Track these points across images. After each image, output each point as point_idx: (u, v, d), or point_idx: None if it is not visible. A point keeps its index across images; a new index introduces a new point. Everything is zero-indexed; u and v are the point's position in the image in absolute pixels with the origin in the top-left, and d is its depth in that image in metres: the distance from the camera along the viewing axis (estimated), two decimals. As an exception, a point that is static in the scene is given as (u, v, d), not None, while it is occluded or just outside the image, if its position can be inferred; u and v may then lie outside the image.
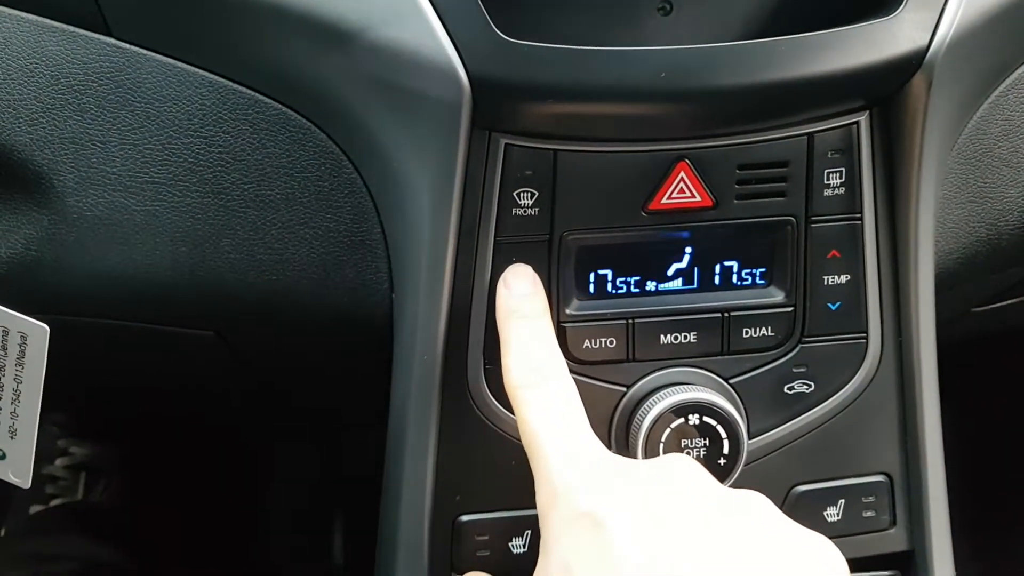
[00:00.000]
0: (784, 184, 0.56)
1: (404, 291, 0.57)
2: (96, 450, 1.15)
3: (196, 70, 0.56)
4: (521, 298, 0.54)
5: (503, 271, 0.55)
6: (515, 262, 0.55)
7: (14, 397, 0.57)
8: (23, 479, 0.60)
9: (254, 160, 0.56)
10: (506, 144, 0.53)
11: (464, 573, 0.58)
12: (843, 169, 0.56)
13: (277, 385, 0.76)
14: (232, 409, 0.95)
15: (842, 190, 0.56)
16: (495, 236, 0.55)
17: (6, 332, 0.56)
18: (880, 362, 0.59)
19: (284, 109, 0.56)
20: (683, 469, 0.47)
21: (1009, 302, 0.78)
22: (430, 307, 0.55)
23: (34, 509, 1.13)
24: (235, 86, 0.56)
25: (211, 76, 0.56)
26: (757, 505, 0.46)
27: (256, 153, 0.56)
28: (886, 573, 0.62)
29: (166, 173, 0.57)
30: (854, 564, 0.61)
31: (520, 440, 0.57)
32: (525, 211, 0.55)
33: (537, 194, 0.54)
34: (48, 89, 0.56)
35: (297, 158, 0.56)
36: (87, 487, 1.15)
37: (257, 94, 0.56)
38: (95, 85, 0.56)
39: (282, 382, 0.76)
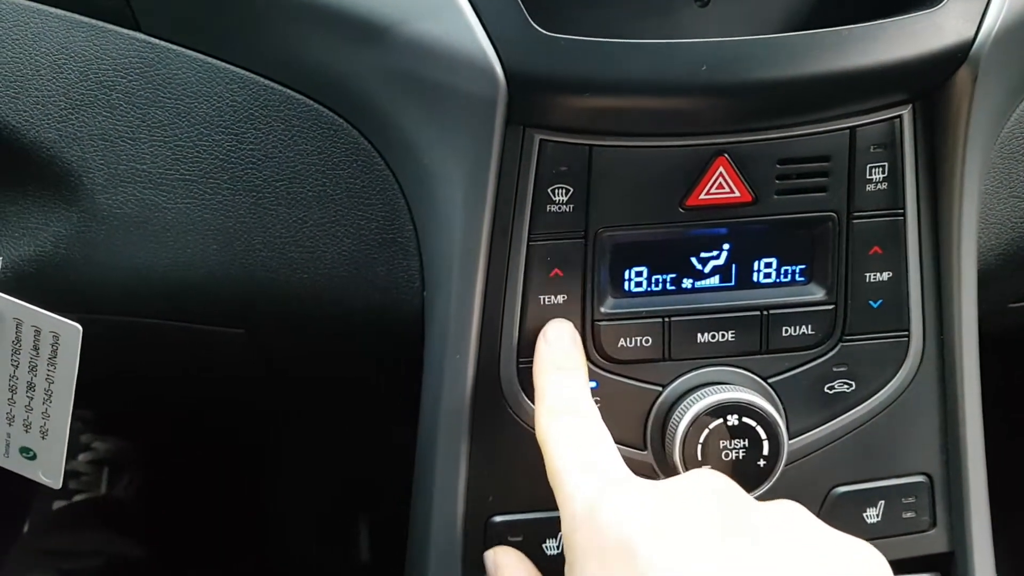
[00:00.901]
0: (825, 179, 0.55)
1: (436, 289, 0.56)
2: (119, 446, 1.15)
3: (227, 66, 0.55)
4: (560, 352, 0.54)
5: (537, 269, 0.54)
6: (550, 262, 0.54)
7: (45, 397, 0.57)
8: (54, 479, 0.60)
9: (286, 157, 0.55)
10: (541, 140, 0.52)
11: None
12: (886, 164, 0.55)
13: (306, 383, 0.76)
14: (259, 406, 0.95)
15: (884, 185, 0.55)
16: (529, 233, 0.54)
17: (38, 332, 0.55)
18: (922, 361, 0.58)
19: (316, 106, 0.55)
20: (714, 486, 0.45)
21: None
22: (462, 306, 0.54)
23: (57, 505, 1.13)
24: (266, 82, 0.55)
25: (242, 72, 0.55)
26: (796, 516, 0.44)
27: (288, 150, 0.55)
28: (927, 575, 0.61)
29: (197, 170, 0.56)
30: (894, 566, 0.60)
31: None
32: (560, 208, 0.54)
33: (572, 190, 0.53)
34: (77, 85, 0.55)
35: (329, 155, 0.55)
36: (110, 483, 1.16)
37: (289, 90, 0.55)
38: (124, 81, 0.55)
39: (312, 380, 0.76)
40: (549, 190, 0.53)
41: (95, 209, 0.57)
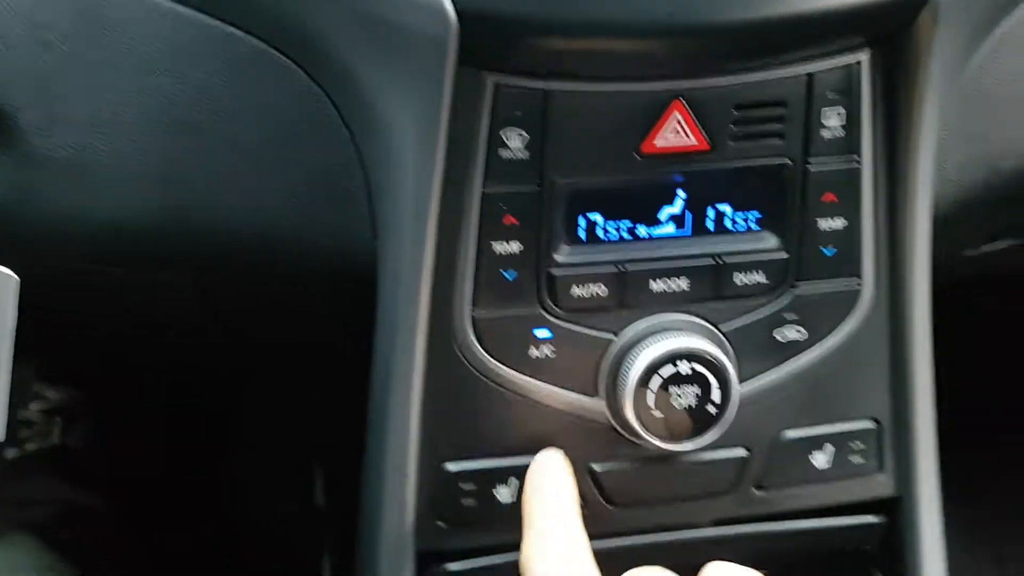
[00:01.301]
0: (781, 125, 0.54)
1: (387, 238, 0.55)
2: (72, 395, 1.14)
3: (170, 4, 0.53)
4: (550, 478, 0.54)
5: (490, 217, 0.53)
6: (504, 210, 0.54)
7: (-18, 349, 0.55)
8: (-3, 431, 0.58)
9: (231, 99, 0.54)
10: (494, 83, 0.51)
11: (450, 521, 0.57)
12: (843, 110, 0.54)
13: (255, 332, 0.75)
14: (211, 354, 0.94)
15: (841, 132, 0.55)
16: (483, 180, 0.53)
17: (-29, 281, 0.54)
18: (873, 307, 0.59)
19: (263, 46, 0.53)
20: None
21: (999, 247, 0.78)
22: (414, 254, 0.54)
23: (10, 454, 1.12)
24: (211, 21, 0.53)
25: (185, 10, 0.53)
26: None
27: (233, 92, 0.53)
28: (874, 519, 0.62)
29: (137, 113, 0.54)
30: (841, 509, 0.62)
31: (507, 389, 0.56)
32: (514, 154, 0.53)
33: (527, 136, 0.52)
34: (12, 25, 0.53)
35: (275, 98, 0.53)
36: (64, 432, 1.14)
37: (234, 29, 0.53)
38: (62, 21, 0.53)
39: (260, 330, 0.75)
40: (503, 136, 0.52)
41: (31, 153, 0.54)
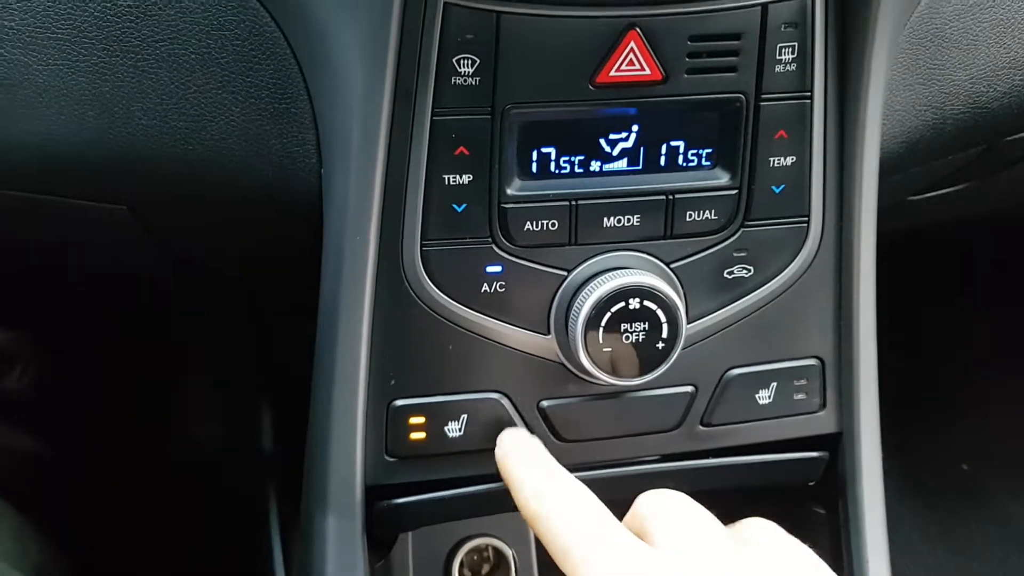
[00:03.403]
0: (735, 59, 0.54)
1: (334, 166, 0.53)
2: (9, 336, 1.10)
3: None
4: (531, 446, 0.55)
5: (441, 147, 0.52)
6: (455, 140, 0.52)
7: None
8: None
9: (167, 15, 0.51)
10: (445, 3, 0.50)
11: (399, 456, 0.57)
12: (796, 44, 0.54)
13: (200, 266, 0.73)
14: (153, 292, 0.91)
15: (793, 67, 0.55)
16: (433, 107, 0.51)
17: None
18: (820, 247, 0.59)
19: (202, -40, 0.51)
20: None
21: (944, 191, 0.79)
22: (362, 183, 0.52)
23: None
24: (144, -71, 0.50)
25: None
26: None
27: (169, 7, 0.51)
28: (815, 454, 0.63)
29: (70, 29, 0.51)
30: (784, 445, 0.63)
31: (457, 325, 0.55)
32: (465, 80, 0.51)
33: (478, 61, 0.51)
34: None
35: (214, 13, 0.51)
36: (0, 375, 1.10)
37: None
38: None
39: (203, 263, 0.73)
40: (454, 60, 0.51)
41: (-45, 70, 0.51)
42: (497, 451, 0.55)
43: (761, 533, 0.49)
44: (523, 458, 0.54)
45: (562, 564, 0.47)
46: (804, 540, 0.49)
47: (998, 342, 1.21)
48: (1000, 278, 1.20)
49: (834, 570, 0.47)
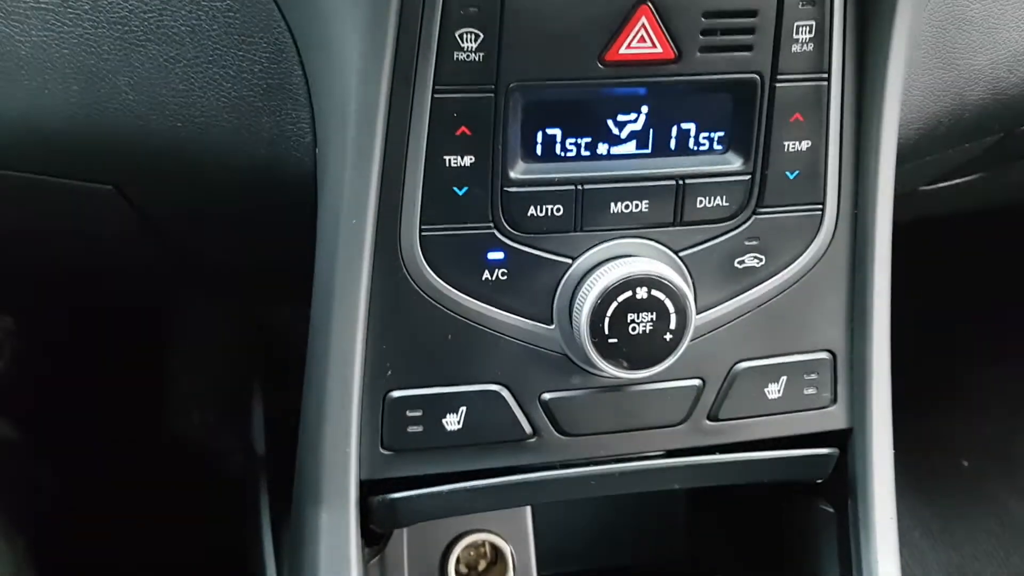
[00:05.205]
0: (751, 36, 0.51)
1: (329, 145, 0.51)
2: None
3: None
4: None
5: (442, 126, 0.50)
6: (456, 119, 0.50)
7: None
8: None
9: (154, -15, 0.49)
10: None
11: (395, 449, 0.55)
12: (813, 22, 0.52)
13: (187, 250, 0.70)
14: (142, 280, 0.89)
15: (811, 46, 0.52)
16: (434, 84, 0.49)
17: None
18: (834, 236, 0.57)
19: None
20: None
21: (955, 182, 0.77)
22: (359, 164, 0.50)
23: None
24: None
25: None
26: None
27: (156, -24, 0.49)
28: (825, 451, 0.61)
29: (53, -2, 0.49)
30: (793, 441, 0.61)
31: (457, 314, 0.53)
32: (468, 56, 0.49)
33: (482, 36, 0.49)
34: None
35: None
36: None
37: None
38: None
39: (193, 249, 0.70)
40: (456, 34, 0.48)
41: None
42: None
43: None
44: None
45: None
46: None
47: (998, 337, 1.19)
48: (1003, 272, 1.18)
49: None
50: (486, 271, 0.53)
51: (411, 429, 0.55)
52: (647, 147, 0.54)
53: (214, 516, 0.99)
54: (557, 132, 0.52)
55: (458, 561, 0.72)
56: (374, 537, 0.62)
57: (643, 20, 0.50)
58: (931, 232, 0.91)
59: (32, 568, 0.91)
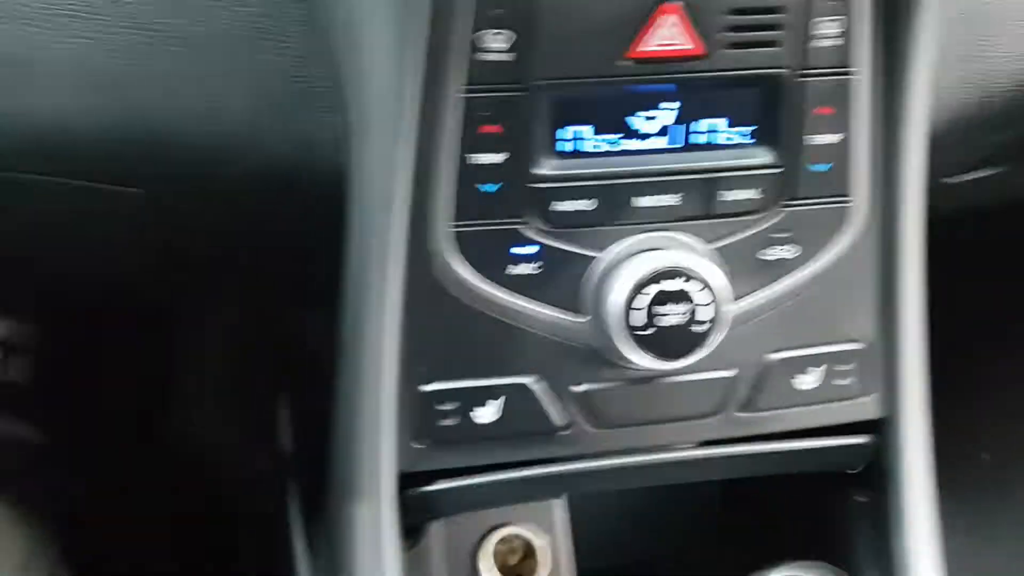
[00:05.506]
0: (779, 32, 0.51)
1: (360, 145, 0.52)
2: (17, 326, 1.08)
3: None
4: None
5: (472, 124, 0.50)
6: (486, 117, 0.50)
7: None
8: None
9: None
10: None
11: (428, 442, 0.55)
12: (842, 17, 0.52)
13: (215, 251, 0.71)
14: (166, 277, 0.89)
15: (839, 41, 0.52)
16: (465, 84, 0.50)
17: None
18: (865, 226, 0.57)
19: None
20: None
21: (978, 175, 0.77)
22: (390, 163, 0.50)
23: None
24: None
25: None
26: None
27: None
28: (861, 440, 0.61)
29: (85, 5, 0.50)
30: (827, 431, 0.61)
31: (489, 308, 0.54)
32: (498, 56, 0.50)
33: (510, 36, 0.49)
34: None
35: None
36: (5, 364, 1.09)
37: None
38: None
39: (221, 250, 0.71)
40: (487, 35, 0.49)
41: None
42: None
43: None
44: None
45: None
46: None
47: (1019, 328, 1.18)
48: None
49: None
50: (515, 266, 0.54)
51: (444, 422, 0.55)
52: (676, 142, 0.54)
53: (243, 520, 1.00)
54: (585, 128, 0.53)
55: (493, 555, 0.72)
56: (409, 531, 0.62)
57: (669, 15, 0.50)
58: (956, 224, 0.90)
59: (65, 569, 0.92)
